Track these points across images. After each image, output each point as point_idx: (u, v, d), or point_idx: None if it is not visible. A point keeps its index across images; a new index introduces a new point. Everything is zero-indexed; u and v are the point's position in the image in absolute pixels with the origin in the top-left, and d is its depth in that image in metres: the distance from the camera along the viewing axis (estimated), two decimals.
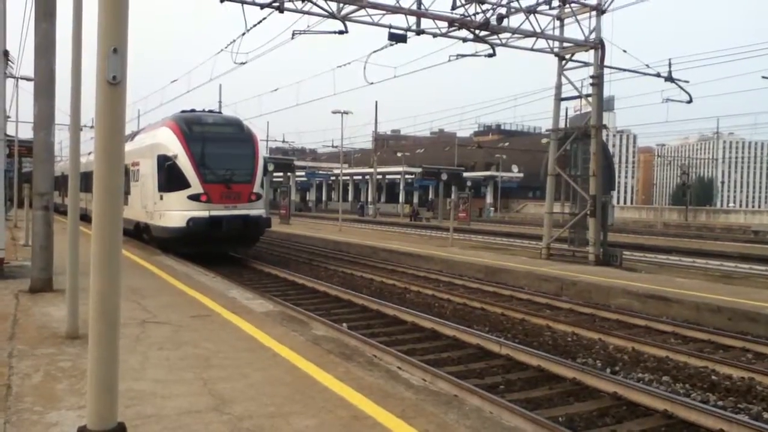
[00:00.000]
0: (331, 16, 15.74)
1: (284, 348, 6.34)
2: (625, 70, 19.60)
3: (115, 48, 2.57)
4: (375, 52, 17.69)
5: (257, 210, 17.41)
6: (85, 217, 16.98)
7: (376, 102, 39.19)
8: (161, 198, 17.08)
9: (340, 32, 16.21)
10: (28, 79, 21.04)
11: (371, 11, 15.96)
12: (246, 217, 16.87)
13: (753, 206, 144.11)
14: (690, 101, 20.47)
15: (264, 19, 15.51)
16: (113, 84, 2.59)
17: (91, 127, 21.29)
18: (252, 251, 19.10)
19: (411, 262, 17.94)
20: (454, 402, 5.03)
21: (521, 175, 78.05)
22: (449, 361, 7.81)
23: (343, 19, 15.89)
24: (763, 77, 26.74)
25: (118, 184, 2.71)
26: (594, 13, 18.07)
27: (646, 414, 6.06)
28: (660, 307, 11.15)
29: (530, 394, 6.58)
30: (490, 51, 17.96)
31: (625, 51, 18.64)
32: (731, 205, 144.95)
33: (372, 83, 19.03)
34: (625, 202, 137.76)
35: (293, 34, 16.57)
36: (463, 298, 12.23)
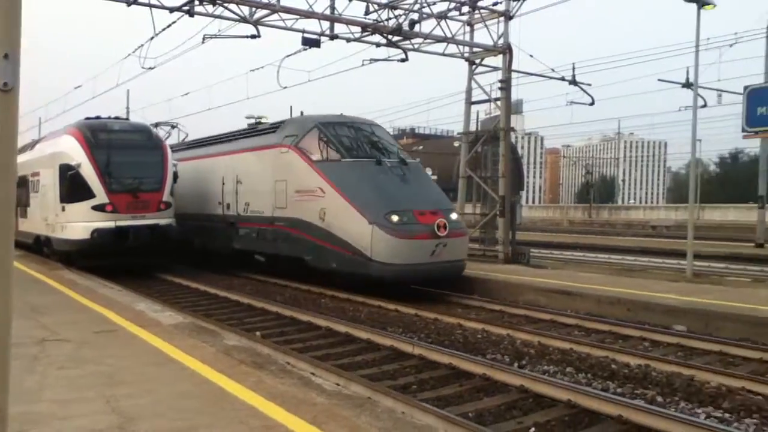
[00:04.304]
0: (243, 20, 15.59)
1: (194, 360, 6.20)
2: (531, 74, 20.37)
3: (6, 53, 2.46)
4: (288, 56, 17.66)
5: (167, 219, 16.92)
6: None
7: (291, 107, 39.50)
8: (63, 209, 16.34)
9: (253, 36, 16.11)
10: None
11: (284, 16, 15.93)
12: (155, 226, 16.36)
13: (651, 202, 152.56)
14: (592, 103, 21.52)
15: (173, 23, 15.23)
16: (5, 91, 2.48)
17: None
18: (162, 262, 18.49)
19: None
20: (367, 404, 5.08)
21: (435, 177, 78.90)
22: (363, 364, 7.87)
23: (256, 23, 15.78)
24: (659, 80, 28.39)
25: (9, 196, 2.59)
26: (502, 18, 18.65)
27: (550, 405, 6.31)
28: (565, 301, 11.65)
29: (441, 392, 6.72)
30: (403, 56, 18.27)
31: (531, 56, 19.36)
32: (631, 201, 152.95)
33: (286, 87, 19.01)
34: (533, 202, 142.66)
35: (204, 39, 16.34)
36: (377, 301, 12.33)
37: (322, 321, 10.41)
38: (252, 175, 16.25)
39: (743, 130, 12.95)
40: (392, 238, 12.06)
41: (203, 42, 16.40)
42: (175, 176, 17.69)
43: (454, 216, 13.27)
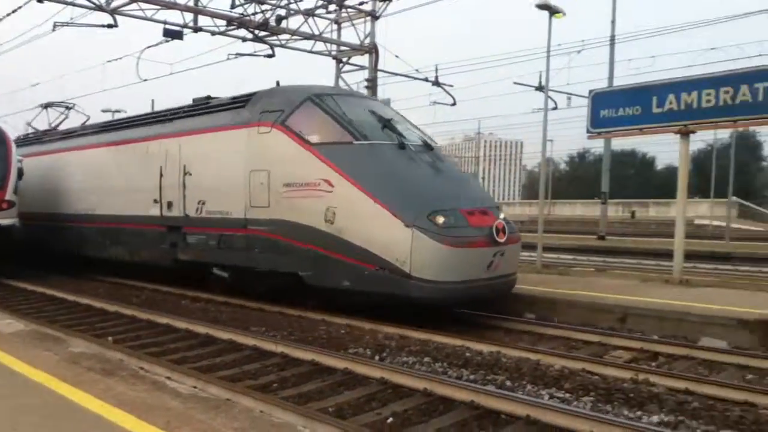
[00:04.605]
0: (99, 8, 14.79)
1: (35, 370, 5.77)
2: (397, 74, 20.89)
3: None
4: (149, 47, 16.94)
5: (10, 219, 15.59)
6: None
7: (153, 100, 37.25)
8: None
9: (110, 26, 15.35)
10: None
11: (144, 5, 15.29)
12: None
13: (508, 199, 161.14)
14: (454, 104, 22.37)
15: (20, 8, 14.21)
16: None
17: None
18: (3, 266, 17.00)
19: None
20: (224, 406, 5.00)
21: None
22: (223, 366, 7.68)
23: (113, 12, 15.05)
24: (515, 83, 30.05)
25: None
26: (369, 18, 18.94)
27: (408, 394, 6.50)
28: None
29: (303, 388, 6.71)
30: (270, 51, 18.09)
31: (397, 56, 19.83)
32: None
33: (146, 80, 18.19)
34: None
35: (54, 26, 15.34)
36: (240, 300, 12.09)
37: (181, 323, 10.02)
38: (209, 164, 12.46)
39: (588, 131, 13.96)
40: (441, 247, 9.17)
41: (53, 30, 15.43)
42: (20, 173, 16.35)
43: (502, 215, 10.48)
